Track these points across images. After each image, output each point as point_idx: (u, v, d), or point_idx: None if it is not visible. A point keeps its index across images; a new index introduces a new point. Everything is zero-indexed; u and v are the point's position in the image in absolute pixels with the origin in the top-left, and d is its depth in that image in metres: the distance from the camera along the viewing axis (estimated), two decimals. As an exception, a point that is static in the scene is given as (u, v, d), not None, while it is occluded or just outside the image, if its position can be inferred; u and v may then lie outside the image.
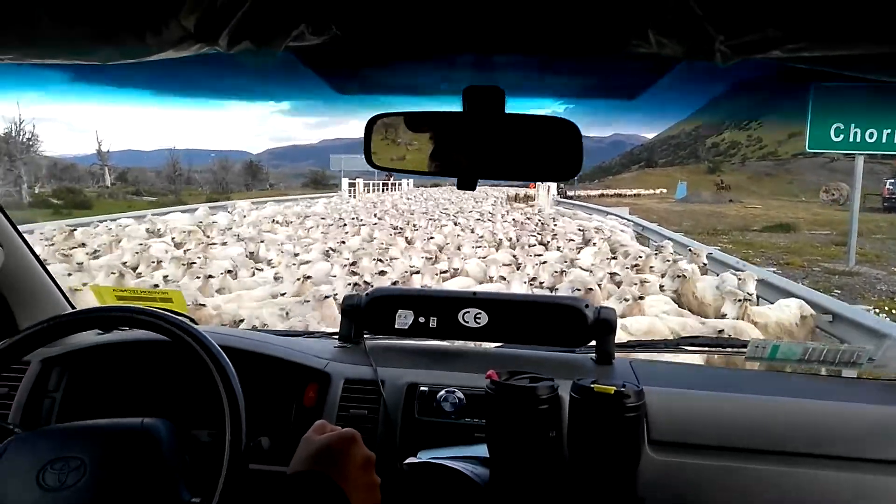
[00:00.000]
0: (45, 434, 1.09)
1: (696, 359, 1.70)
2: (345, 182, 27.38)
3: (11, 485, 0.94)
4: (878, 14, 0.71)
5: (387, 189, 33.23)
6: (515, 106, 1.01)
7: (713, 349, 1.71)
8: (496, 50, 0.95)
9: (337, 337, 1.59)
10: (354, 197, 25.78)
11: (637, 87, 1.08)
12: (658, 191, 46.46)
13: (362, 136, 1.10)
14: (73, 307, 1.59)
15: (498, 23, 0.86)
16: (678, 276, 6.42)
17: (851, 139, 10.68)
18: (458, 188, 1.05)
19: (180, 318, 1.11)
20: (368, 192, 27.08)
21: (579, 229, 11.31)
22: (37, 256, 1.53)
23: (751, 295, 5.70)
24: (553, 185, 26.46)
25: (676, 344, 1.68)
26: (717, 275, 7.31)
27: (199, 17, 0.81)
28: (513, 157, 1.05)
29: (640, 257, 7.85)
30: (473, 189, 1.05)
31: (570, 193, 36.00)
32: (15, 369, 1.37)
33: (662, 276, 7.08)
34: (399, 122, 1.09)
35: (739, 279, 6.13)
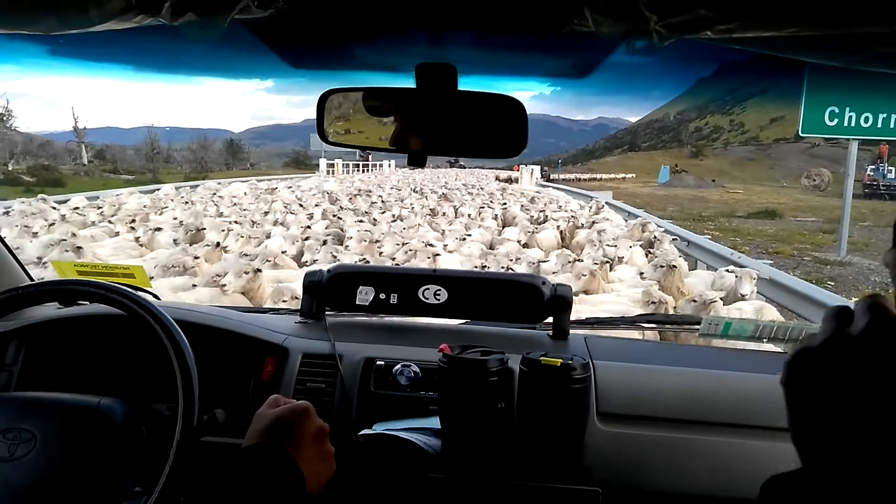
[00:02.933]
0: (3, 401, 1.10)
1: (652, 337, 1.73)
2: (323, 163, 26.81)
3: None
4: None
5: (366, 170, 32.36)
6: (472, 84, 1.02)
7: (668, 325, 1.75)
8: (445, 25, 0.96)
9: (299, 313, 1.60)
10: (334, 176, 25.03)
11: (586, 66, 1.10)
12: (623, 175, 46.33)
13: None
14: (31, 279, 1.58)
15: None
16: (662, 266, 5.38)
17: (846, 124, 10.01)
18: (409, 164, 1.07)
19: (139, 293, 1.12)
20: (347, 172, 26.28)
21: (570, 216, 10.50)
22: None
23: (744, 296, 5.00)
24: (536, 169, 26.42)
25: (633, 321, 1.72)
26: (714, 269, 6.39)
27: None
28: (463, 134, 1.06)
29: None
30: (423, 165, 1.07)
31: (553, 177, 36.21)
32: None
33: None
34: (351, 97, 1.10)
35: (737, 277, 5.22)
